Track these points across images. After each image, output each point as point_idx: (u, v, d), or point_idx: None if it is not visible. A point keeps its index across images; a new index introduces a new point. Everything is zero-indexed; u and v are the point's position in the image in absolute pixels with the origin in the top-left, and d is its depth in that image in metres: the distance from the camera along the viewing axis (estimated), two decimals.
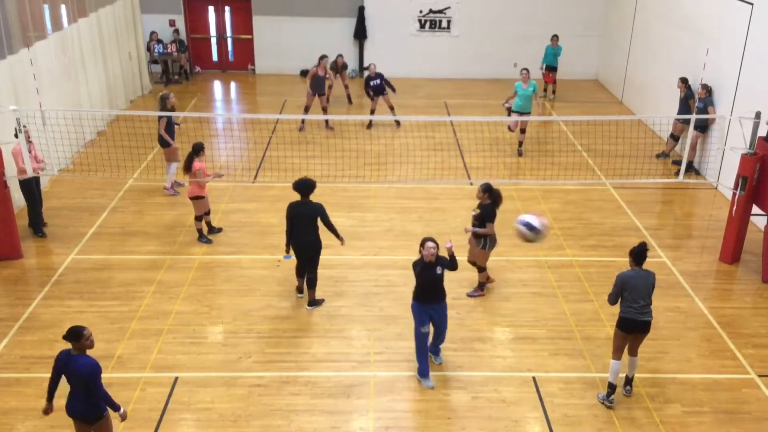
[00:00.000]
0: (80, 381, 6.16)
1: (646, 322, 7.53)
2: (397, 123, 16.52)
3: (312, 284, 9.45)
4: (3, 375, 8.12)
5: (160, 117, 12.39)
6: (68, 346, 6.22)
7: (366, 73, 16.15)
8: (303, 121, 16.31)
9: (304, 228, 9.10)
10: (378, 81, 15.95)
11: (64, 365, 6.20)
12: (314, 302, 9.53)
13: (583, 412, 7.65)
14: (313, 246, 9.24)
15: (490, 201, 9.28)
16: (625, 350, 7.75)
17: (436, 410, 7.71)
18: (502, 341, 8.94)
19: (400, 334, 8.93)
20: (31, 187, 10.95)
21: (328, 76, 16.10)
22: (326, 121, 16.21)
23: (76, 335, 6.13)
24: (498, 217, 9.37)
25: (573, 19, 20.22)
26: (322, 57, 15.85)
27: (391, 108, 16.24)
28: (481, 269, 9.71)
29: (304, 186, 9.11)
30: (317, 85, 15.79)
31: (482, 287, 9.84)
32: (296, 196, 9.17)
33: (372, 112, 16.14)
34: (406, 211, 12.20)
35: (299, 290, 9.76)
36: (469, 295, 9.76)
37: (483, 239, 9.40)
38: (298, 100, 18.45)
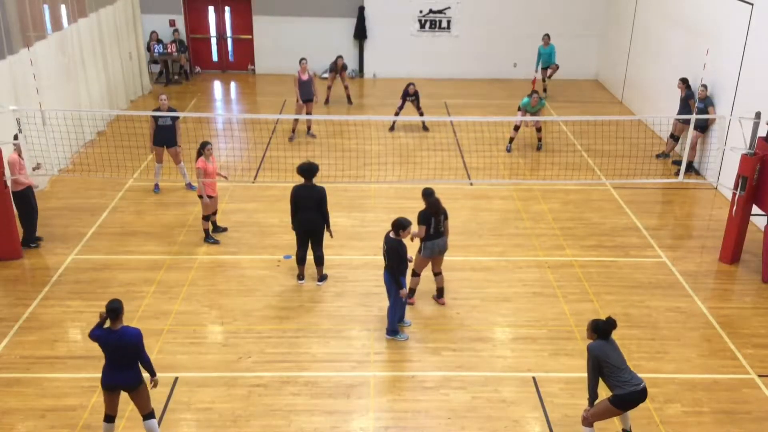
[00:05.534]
0: (130, 351, 6.53)
1: (645, 389, 6.69)
2: (425, 127, 16.44)
3: (320, 261, 9.94)
4: (3, 375, 8.12)
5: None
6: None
7: (408, 88, 15.80)
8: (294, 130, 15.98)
9: (309, 209, 9.60)
10: (413, 98, 15.88)
11: (105, 342, 6.51)
12: (324, 278, 10.06)
13: None
14: (318, 222, 9.68)
15: (426, 205, 9.15)
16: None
17: (436, 410, 7.71)
18: (502, 341, 8.94)
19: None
20: (27, 198, 10.56)
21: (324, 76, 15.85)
22: (308, 127, 15.98)
23: (120, 309, 6.51)
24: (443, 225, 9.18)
25: (573, 19, 20.20)
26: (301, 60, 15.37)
27: (421, 113, 16.12)
28: (414, 273, 9.44)
29: (308, 170, 9.63)
30: (305, 91, 15.29)
31: (412, 294, 9.50)
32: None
33: (396, 114, 15.85)
34: (406, 211, 12.07)
35: (300, 277, 10.05)
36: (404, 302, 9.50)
37: (420, 243, 9.28)
38: None
